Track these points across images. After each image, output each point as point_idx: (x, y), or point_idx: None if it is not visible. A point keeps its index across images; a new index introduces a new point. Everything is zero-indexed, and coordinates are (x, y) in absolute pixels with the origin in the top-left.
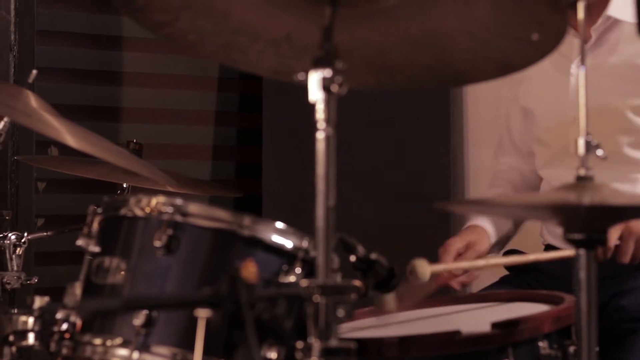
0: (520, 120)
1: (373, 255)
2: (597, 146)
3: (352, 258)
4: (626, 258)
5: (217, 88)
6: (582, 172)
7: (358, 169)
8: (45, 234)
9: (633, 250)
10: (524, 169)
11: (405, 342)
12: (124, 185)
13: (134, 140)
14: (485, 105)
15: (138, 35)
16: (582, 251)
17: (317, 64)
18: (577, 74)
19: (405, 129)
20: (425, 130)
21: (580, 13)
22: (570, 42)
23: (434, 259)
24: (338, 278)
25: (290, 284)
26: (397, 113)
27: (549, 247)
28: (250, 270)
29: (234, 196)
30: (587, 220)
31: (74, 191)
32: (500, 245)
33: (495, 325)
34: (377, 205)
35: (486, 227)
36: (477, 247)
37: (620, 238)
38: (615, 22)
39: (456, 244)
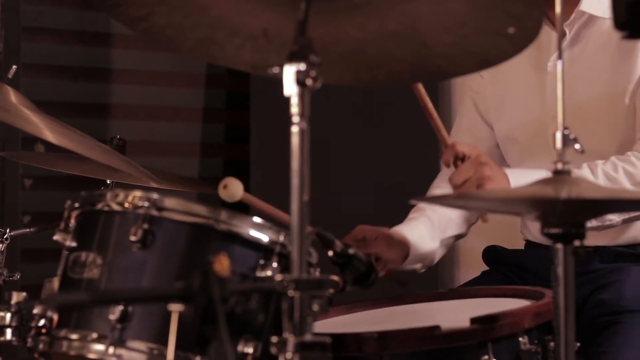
0: (477, 119)
1: (351, 250)
2: (575, 140)
3: (330, 253)
4: (456, 180)
5: (205, 85)
6: (560, 166)
7: (346, 166)
8: (28, 230)
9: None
10: None
11: (384, 337)
12: (108, 182)
13: (118, 137)
14: None
15: (125, 32)
16: (559, 246)
17: (292, 57)
18: (554, 70)
19: (393, 125)
20: (413, 126)
21: (558, 8)
22: (547, 36)
23: None
24: (316, 272)
25: (265, 278)
26: (384, 109)
27: (529, 244)
28: (223, 264)
29: None
30: (565, 214)
31: (61, 188)
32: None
33: (474, 320)
34: (366, 203)
35: (409, 236)
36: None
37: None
38: (588, 17)
39: (366, 231)
